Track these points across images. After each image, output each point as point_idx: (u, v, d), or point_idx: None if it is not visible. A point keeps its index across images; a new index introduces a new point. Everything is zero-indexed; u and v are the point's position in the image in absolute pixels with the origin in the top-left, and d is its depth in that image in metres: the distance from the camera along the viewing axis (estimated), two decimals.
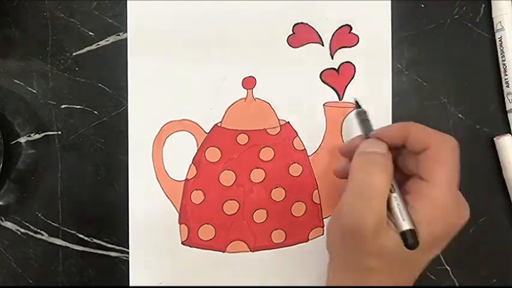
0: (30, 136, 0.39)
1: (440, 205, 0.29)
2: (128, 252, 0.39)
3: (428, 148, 0.30)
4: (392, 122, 0.40)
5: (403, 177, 0.32)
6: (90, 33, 0.39)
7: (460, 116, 0.41)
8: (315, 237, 0.40)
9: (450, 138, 0.30)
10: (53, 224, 0.39)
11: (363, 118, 0.35)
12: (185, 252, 0.39)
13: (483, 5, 0.41)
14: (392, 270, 0.30)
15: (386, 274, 0.30)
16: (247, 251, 0.39)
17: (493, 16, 0.40)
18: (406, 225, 0.28)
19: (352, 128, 0.40)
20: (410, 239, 0.28)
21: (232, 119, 0.39)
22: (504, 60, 0.39)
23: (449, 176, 0.29)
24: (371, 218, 0.28)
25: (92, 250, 0.39)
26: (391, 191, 0.30)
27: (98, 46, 0.39)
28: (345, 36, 0.40)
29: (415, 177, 0.31)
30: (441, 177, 0.29)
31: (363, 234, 0.28)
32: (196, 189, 0.39)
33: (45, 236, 0.39)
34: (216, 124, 0.39)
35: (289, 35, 0.40)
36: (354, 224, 0.29)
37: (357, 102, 0.36)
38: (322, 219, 0.40)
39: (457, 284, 0.41)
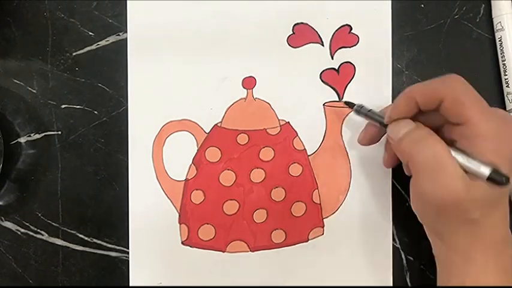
0: (30, 136, 0.39)
1: (492, 136, 0.30)
2: (127, 252, 0.39)
3: (443, 99, 0.31)
4: None
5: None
6: (90, 33, 0.39)
7: None
8: (315, 237, 0.40)
9: (454, 77, 0.32)
10: (53, 224, 0.39)
11: (366, 110, 0.36)
12: (185, 252, 0.39)
13: (483, 5, 0.41)
14: (491, 211, 0.31)
15: (489, 217, 0.31)
16: (247, 251, 0.39)
17: (493, 16, 0.40)
18: (486, 169, 0.29)
19: (352, 128, 0.40)
20: (499, 178, 0.29)
21: (232, 119, 0.39)
22: (504, 60, 0.39)
23: (478, 108, 0.30)
24: (456, 182, 0.29)
25: (92, 250, 0.39)
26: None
27: (98, 46, 0.39)
28: (345, 36, 0.40)
29: (448, 126, 0.32)
30: (474, 114, 0.30)
31: (459, 198, 0.29)
32: (196, 189, 0.39)
33: (45, 236, 0.39)
34: (216, 124, 0.39)
35: (289, 35, 0.40)
36: (447, 197, 0.30)
37: (347, 102, 0.38)
38: (322, 219, 0.40)
39: None
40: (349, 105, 0.37)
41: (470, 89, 0.31)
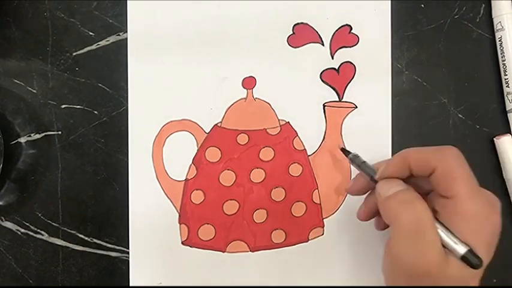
0: (30, 136, 0.39)
1: (474, 216, 0.29)
2: (128, 252, 0.39)
3: (436, 169, 0.30)
4: (392, 122, 0.40)
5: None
6: (90, 33, 0.39)
7: (460, 116, 0.41)
8: (315, 237, 0.40)
9: (450, 149, 0.31)
10: (53, 224, 0.39)
11: (360, 161, 0.35)
12: (185, 252, 0.39)
13: (483, 5, 0.41)
14: None
15: None
16: (247, 251, 0.39)
17: (493, 16, 0.40)
18: (462, 248, 0.28)
19: (352, 128, 0.40)
20: (473, 260, 0.28)
21: (232, 119, 0.39)
22: (504, 60, 0.39)
23: (468, 186, 0.29)
24: (433, 253, 0.28)
25: (92, 250, 0.39)
26: None
27: (98, 46, 0.39)
28: (345, 36, 0.40)
29: (434, 195, 0.31)
30: (462, 191, 0.29)
31: (431, 271, 0.28)
32: (196, 189, 0.39)
33: (45, 236, 0.39)
34: (216, 124, 0.39)
35: (289, 35, 0.40)
36: (419, 265, 0.29)
37: (343, 149, 0.38)
38: (322, 219, 0.40)
39: None
40: (345, 153, 0.37)
41: (463, 163, 0.30)
